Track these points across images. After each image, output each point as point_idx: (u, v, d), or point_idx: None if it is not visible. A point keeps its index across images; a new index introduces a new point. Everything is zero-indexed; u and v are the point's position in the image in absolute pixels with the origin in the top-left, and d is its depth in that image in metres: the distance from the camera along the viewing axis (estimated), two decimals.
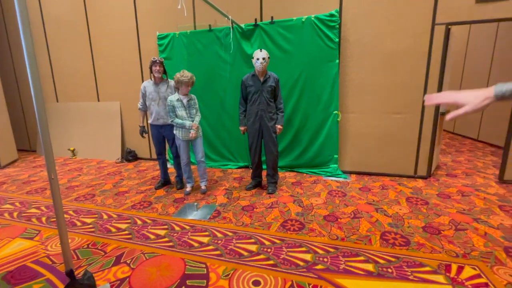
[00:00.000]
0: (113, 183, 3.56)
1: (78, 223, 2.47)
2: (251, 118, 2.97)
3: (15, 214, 2.69)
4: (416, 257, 1.85)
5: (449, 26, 3.02)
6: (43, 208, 2.83)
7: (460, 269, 1.72)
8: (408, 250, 1.93)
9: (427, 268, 1.73)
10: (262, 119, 2.93)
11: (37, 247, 2.09)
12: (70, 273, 1.28)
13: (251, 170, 3.95)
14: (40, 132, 1.21)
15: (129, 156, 4.67)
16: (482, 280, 1.62)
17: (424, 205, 2.66)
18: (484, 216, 2.40)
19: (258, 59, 2.78)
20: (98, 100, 4.87)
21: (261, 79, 2.89)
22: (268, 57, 2.84)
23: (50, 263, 1.89)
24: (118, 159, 4.69)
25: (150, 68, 2.95)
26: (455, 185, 3.15)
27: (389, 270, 1.73)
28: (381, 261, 1.82)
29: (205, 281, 1.67)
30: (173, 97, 2.85)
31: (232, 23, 3.56)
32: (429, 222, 2.32)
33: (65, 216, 2.62)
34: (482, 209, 2.53)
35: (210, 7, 3.01)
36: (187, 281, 1.67)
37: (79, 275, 1.61)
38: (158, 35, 4.13)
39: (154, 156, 4.67)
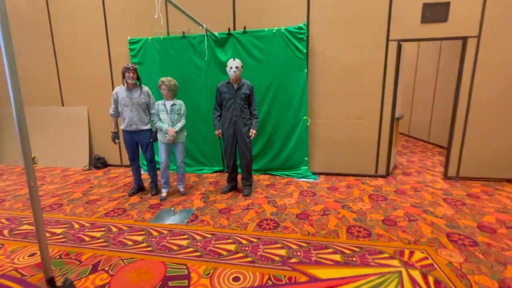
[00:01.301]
0: (82, 192, 3.41)
1: (47, 234, 2.36)
2: (226, 124, 3.07)
3: None
4: (376, 246, 2.10)
5: (401, 42, 3.44)
6: (3, 220, 2.64)
7: (411, 253, 2.00)
8: (370, 241, 2.18)
9: (385, 255, 1.98)
10: (236, 125, 3.05)
11: (2, 261, 1.98)
12: (50, 281, 1.28)
13: (226, 174, 4.05)
14: (20, 139, 1.21)
15: (98, 163, 4.48)
16: (429, 261, 1.91)
17: (384, 200, 2.98)
18: (432, 208, 2.77)
19: (231, 67, 2.92)
20: (63, 105, 4.61)
21: (235, 86, 3.02)
22: (241, 66, 2.99)
23: (19, 276, 1.80)
24: (85, 166, 4.47)
25: (123, 74, 2.93)
26: (409, 182, 3.56)
27: (354, 259, 1.95)
28: (347, 251, 2.03)
29: (186, 281, 1.73)
30: (160, 101, 3.02)
31: (206, 31, 3.66)
32: (387, 215, 2.63)
33: (31, 227, 2.49)
34: (430, 202, 2.92)
35: (184, 15, 3.08)
36: (169, 283, 1.72)
37: (58, 283, 1.58)
38: (130, 40, 4.07)
39: (125, 162, 4.54)
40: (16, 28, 4.50)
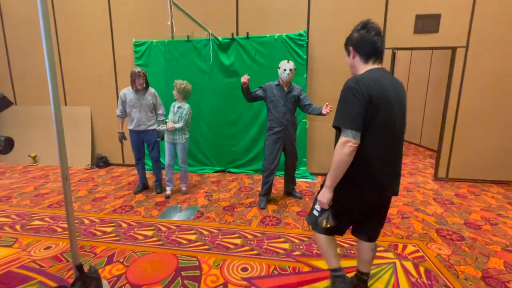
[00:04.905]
0: (88, 189, 3.50)
1: (59, 229, 2.45)
2: (275, 127, 2.86)
3: None
4: None
5: (395, 51, 3.65)
6: (13, 216, 2.72)
7: (404, 247, 2.17)
8: None
9: (381, 248, 2.15)
10: (286, 130, 2.87)
11: (19, 253, 2.07)
12: (79, 267, 1.39)
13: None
14: (57, 136, 1.33)
15: (100, 162, 4.56)
16: (420, 254, 2.08)
17: None
18: (423, 207, 2.96)
19: (285, 70, 2.74)
20: (66, 104, 4.68)
21: (286, 89, 2.84)
22: (295, 69, 2.81)
23: (38, 267, 1.90)
24: (88, 165, 4.54)
25: (133, 80, 3.04)
26: (402, 183, 3.76)
27: (352, 251, 2.11)
28: (345, 245, 2.19)
29: (198, 271, 1.86)
30: (174, 102, 3.17)
31: (210, 36, 3.80)
32: None
33: (43, 223, 2.58)
34: (421, 201, 3.11)
35: (189, 19, 3.22)
36: (182, 272, 1.84)
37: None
38: (135, 42, 4.18)
39: (127, 161, 4.62)
40: (20, 28, 4.56)
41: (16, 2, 4.48)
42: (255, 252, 2.09)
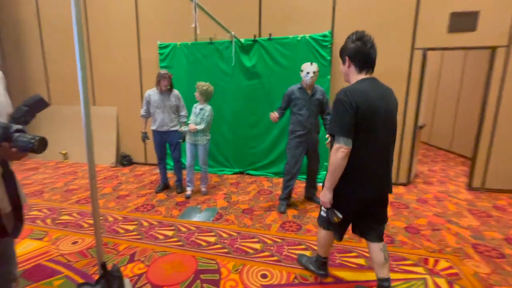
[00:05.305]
0: (112, 187, 3.62)
1: (85, 225, 2.55)
2: (298, 131, 2.78)
3: None
4: (400, 253, 2.12)
5: (426, 51, 3.44)
6: (45, 210, 2.87)
7: (436, 262, 2.01)
8: (393, 247, 2.20)
9: (409, 262, 2.01)
10: (310, 134, 2.80)
11: (48, 247, 2.16)
12: (103, 265, 1.42)
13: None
14: (85, 136, 1.36)
15: (124, 160, 4.72)
16: (454, 270, 1.92)
17: (405, 208, 2.98)
18: (456, 218, 2.75)
19: (308, 72, 2.63)
20: (94, 104, 4.90)
21: (309, 92, 2.74)
22: (318, 70, 2.69)
23: (66, 261, 1.98)
24: (112, 163, 4.72)
25: (159, 81, 3.11)
26: (431, 192, 3.52)
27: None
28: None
29: (217, 275, 1.84)
30: (196, 104, 3.19)
31: (233, 37, 3.80)
32: (410, 223, 2.63)
33: (70, 218, 2.69)
34: (453, 212, 2.89)
35: (212, 21, 3.25)
36: (201, 275, 1.83)
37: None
38: (159, 44, 4.29)
39: (150, 160, 4.75)
40: (55, 34, 4.85)
41: (52, 8, 4.77)
42: (275, 258, 2.04)
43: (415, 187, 3.69)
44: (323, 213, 1.60)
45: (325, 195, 1.46)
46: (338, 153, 1.34)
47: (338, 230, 1.60)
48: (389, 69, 3.55)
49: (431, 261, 2.02)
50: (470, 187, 3.61)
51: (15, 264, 1.13)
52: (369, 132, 1.35)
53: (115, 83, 4.71)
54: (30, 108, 0.91)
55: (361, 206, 1.50)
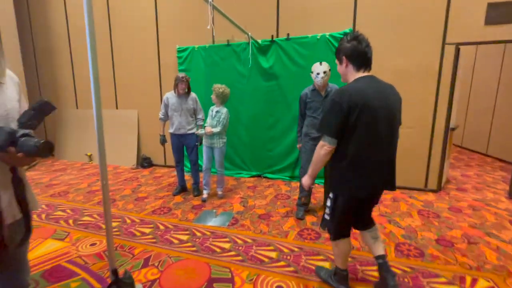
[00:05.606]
0: (132, 189, 3.70)
1: (104, 226, 2.59)
2: (313, 133, 2.64)
3: (43, 216, 2.83)
4: (431, 268, 1.92)
5: (459, 46, 3.16)
6: (68, 211, 2.97)
7: (474, 281, 1.79)
8: (422, 262, 2.01)
9: (442, 279, 1.81)
10: None
11: (69, 248, 2.22)
12: (114, 272, 1.40)
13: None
14: (98, 140, 1.36)
15: (145, 162, 4.82)
16: None
17: (436, 218, 2.74)
18: (496, 231, 2.46)
19: (318, 73, 2.52)
20: (117, 108, 5.07)
21: (323, 93, 2.64)
22: (329, 70, 2.54)
23: (83, 263, 2.01)
24: (133, 165, 4.84)
25: (176, 84, 3.12)
26: (465, 200, 3.22)
27: (406, 279, 1.81)
28: (397, 271, 1.90)
29: (230, 284, 1.77)
30: (213, 106, 3.16)
31: (250, 39, 3.75)
32: (442, 235, 2.40)
33: (91, 219, 2.76)
34: (493, 224, 2.60)
35: (229, 23, 3.22)
36: (214, 284, 1.77)
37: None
38: (178, 48, 4.34)
39: (169, 163, 4.81)
40: (83, 40, 5.08)
41: (80, 16, 5.01)
42: (291, 269, 1.93)
43: (447, 194, 3.39)
44: (326, 216, 1.61)
45: (306, 181, 1.63)
46: (321, 150, 1.45)
47: (344, 234, 1.63)
48: (417, 66, 3.30)
49: (468, 279, 1.81)
50: (511, 195, 3.25)
51: (28, 272, 1.13)
52: (368, 128, 1.37)
53: (136, 87, 4.84)
54: (36, 112, 0.89)
55: (357, 202, 1.53)
